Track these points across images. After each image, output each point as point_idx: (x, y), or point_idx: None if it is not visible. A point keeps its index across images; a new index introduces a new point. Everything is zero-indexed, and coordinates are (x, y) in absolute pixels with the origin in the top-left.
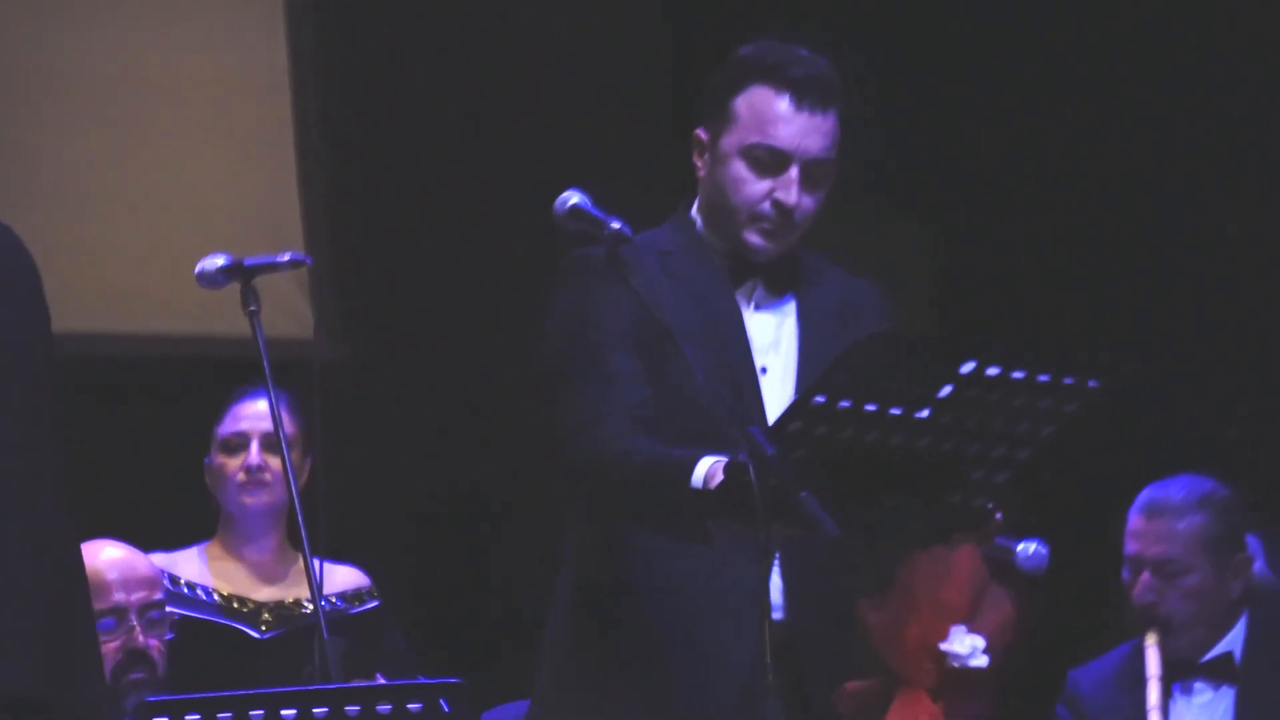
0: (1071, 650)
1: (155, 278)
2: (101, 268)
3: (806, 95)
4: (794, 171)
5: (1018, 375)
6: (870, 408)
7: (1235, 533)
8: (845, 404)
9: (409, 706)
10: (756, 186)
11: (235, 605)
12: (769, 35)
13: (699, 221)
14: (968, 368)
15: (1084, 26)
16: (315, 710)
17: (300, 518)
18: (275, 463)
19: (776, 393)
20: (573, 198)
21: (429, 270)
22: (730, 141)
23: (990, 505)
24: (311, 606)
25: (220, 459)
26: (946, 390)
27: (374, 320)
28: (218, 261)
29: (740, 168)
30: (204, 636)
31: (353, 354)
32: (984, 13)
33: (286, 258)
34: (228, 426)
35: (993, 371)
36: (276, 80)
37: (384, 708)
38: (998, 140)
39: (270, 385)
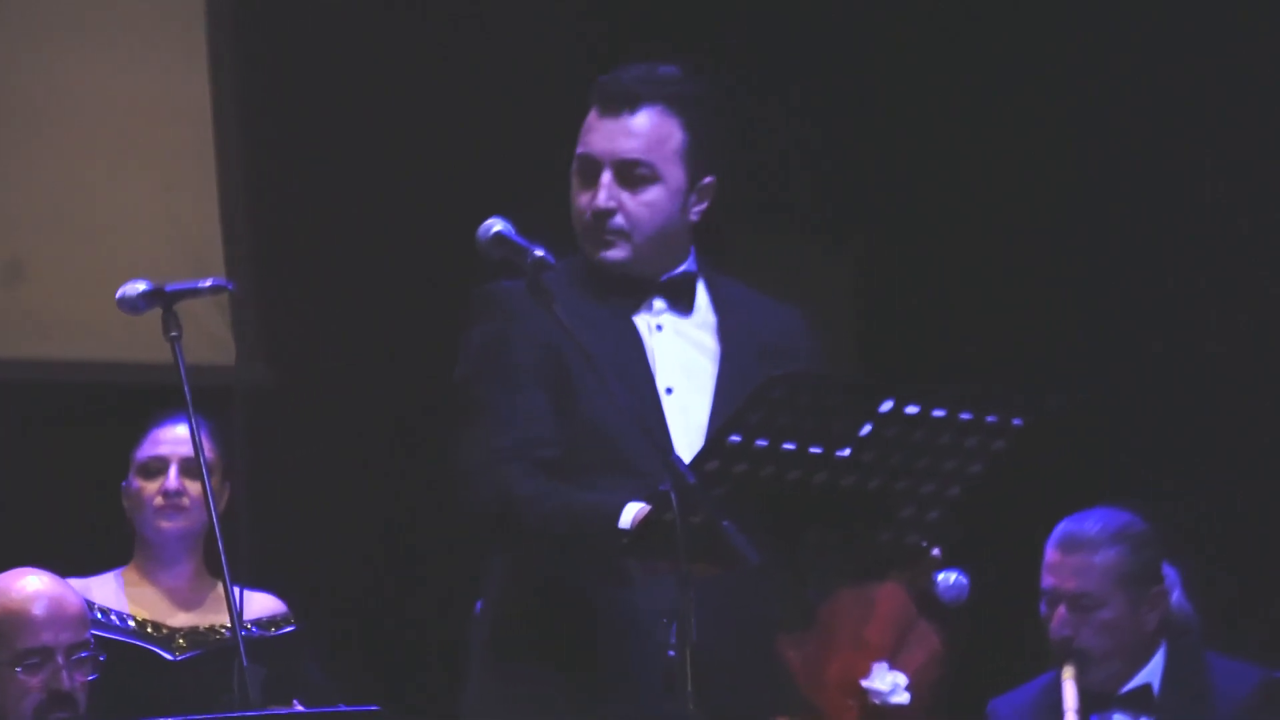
0: (991, 679)
1: (77, 303)
2: (23, 292)
3: (609, 101)
4: (605, 176)
5: (938, 413)
6: (789, 446)
7: (1151, 566)
8: (762, 442)
9: None
10: (580, 199)
11: (150, 630)
12: (692, 62)
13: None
14: (886, 406)
15: (1005, 56)
16: None
17: (220, 544)
18: (193, 488)
19: (682, 413)
20: (496, 225)
21: (350, 296)
22: (574, 165)
23: (924, 543)
24: (225, 632)
25: (138, 483)
26: (866, 429)
27: (295, 346)
28: (139, 287)
29: (573, 185)
30: (118, 659)
31: (274, 380)
32: (905, 41)
33: (208, 283)
34: (146, 450)
35: (911, 410)
36: (198, 107)
37: None
38: (920, 170)
39: (191, 411)
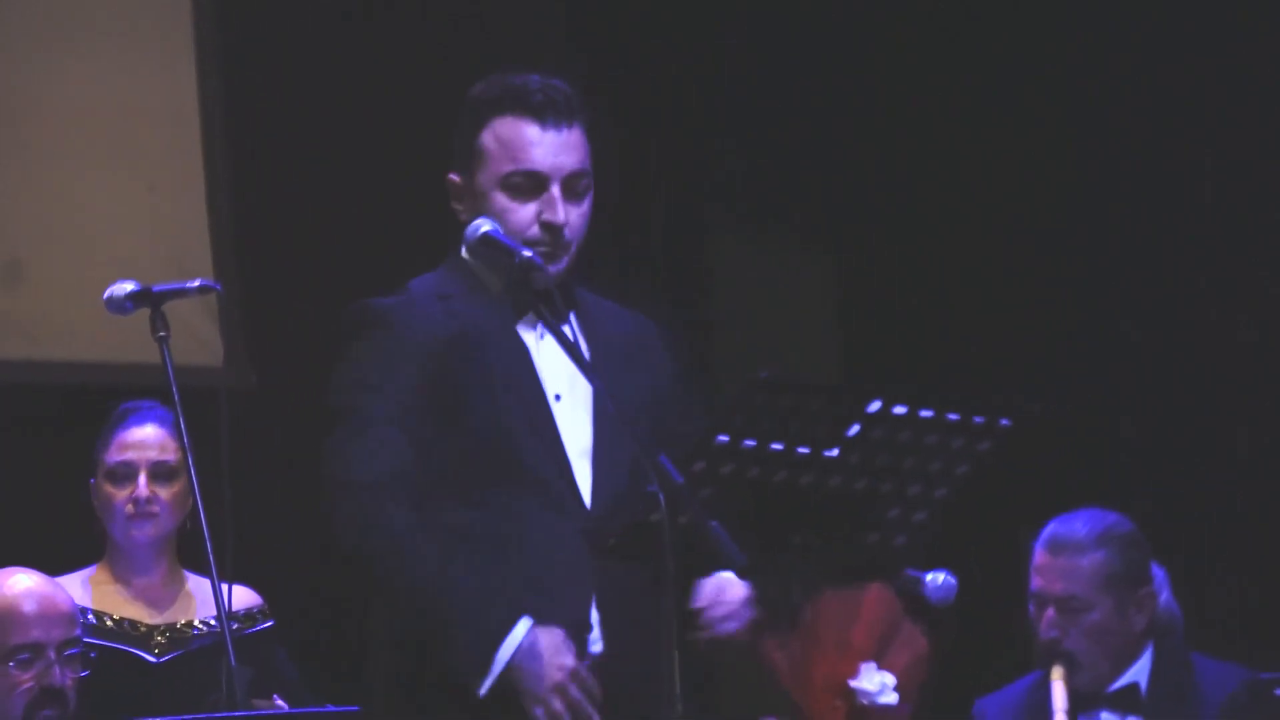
0: (978, 680)
1: (64, 304)
2: (8, 294)
3: (549, 115)
4: (555, 190)
5: (925, 414)
6: (776, 447)
7: (1138, 567)
8: (750, 443)
9: None
10: (522, 213)
11: (127, 628)
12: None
13: (471, 262)
14: (874, 406)
15: (996, 58)
16: None
17: (209, 548)
18: (163, 493)
19: (572, 419)
20: (484, 225)
21: (337, 298)
22: (485, 178)
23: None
24: (203, 629)
25: (107, 488)
26: (854, 429)
27: (282, 347)
28: (126, 288)
29: (502, 199)
30: (98, 661)
31: (260, 381)
32: (894, 43)
33: (196, 284)
34: (113, 455)
35: (899, 410)
36: (185, 108)
37: None
38: (905, 173)
39: (179, 411)
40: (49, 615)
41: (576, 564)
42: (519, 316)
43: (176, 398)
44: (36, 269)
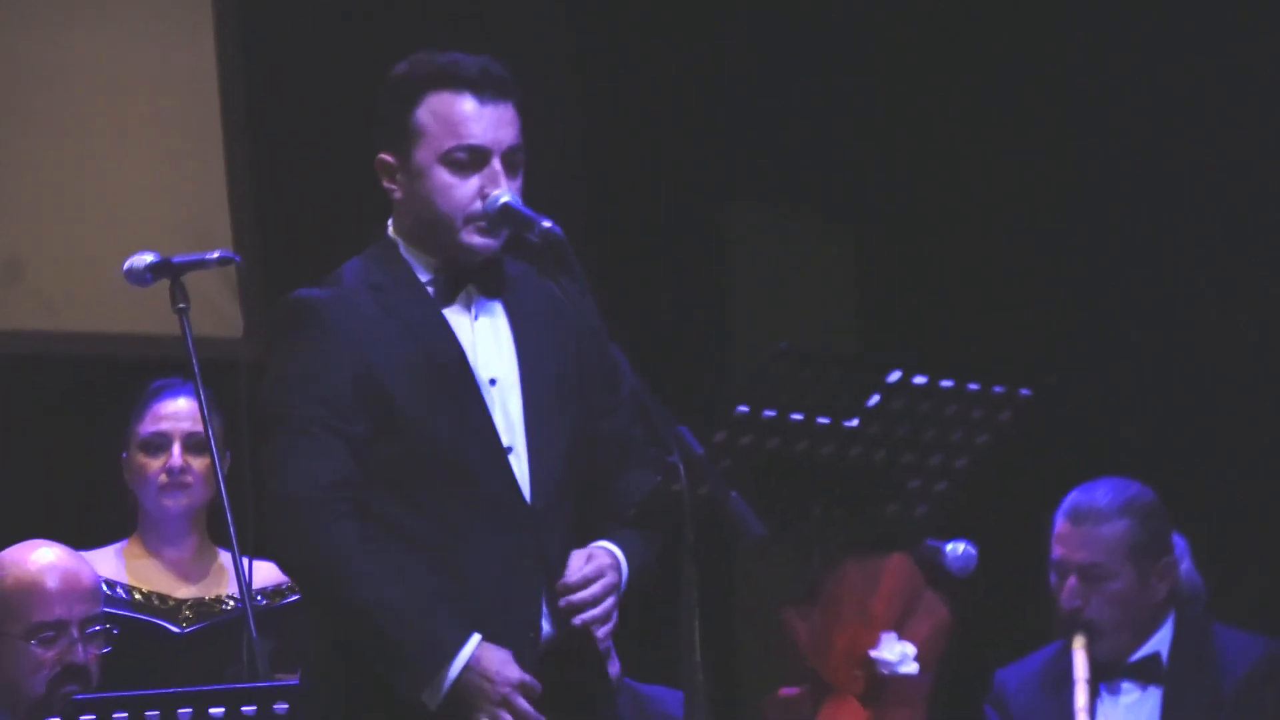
0: (998, 650)
1: (84, 276)
2: (29, 266)
3: (487, 90)
4: (496, 164)
5: (946, 384)
6: (796, 417)
7: (1159, 537)
8: (769, 414)
9: None
10: (464, 188)
11: (155, 603)
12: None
13: (400, 244)
14: (894, 376)
15: (1004, 34)
16: (244, 709)
17: (229, 516)
18: (196, 464)
19: (506, 401)
20: (504, 196)
21: None
22: (424, 154)
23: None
24: (232, 603)
25: (140, 459)
26: (874, 399)
27: None
28: (146, 259)
29: (443, 175)
30: (124, 633)
31: None
32: (904, 19)
33: (215, 256)
34: (148, 426)
35: (919, 380)
36: (204, 80)
37: None
38: (920, 147)
39: (199, 383)
40: (72, 592)
41: (520, 560)
42: (449, 301)
43: (196, 369)
44: (56, 240)
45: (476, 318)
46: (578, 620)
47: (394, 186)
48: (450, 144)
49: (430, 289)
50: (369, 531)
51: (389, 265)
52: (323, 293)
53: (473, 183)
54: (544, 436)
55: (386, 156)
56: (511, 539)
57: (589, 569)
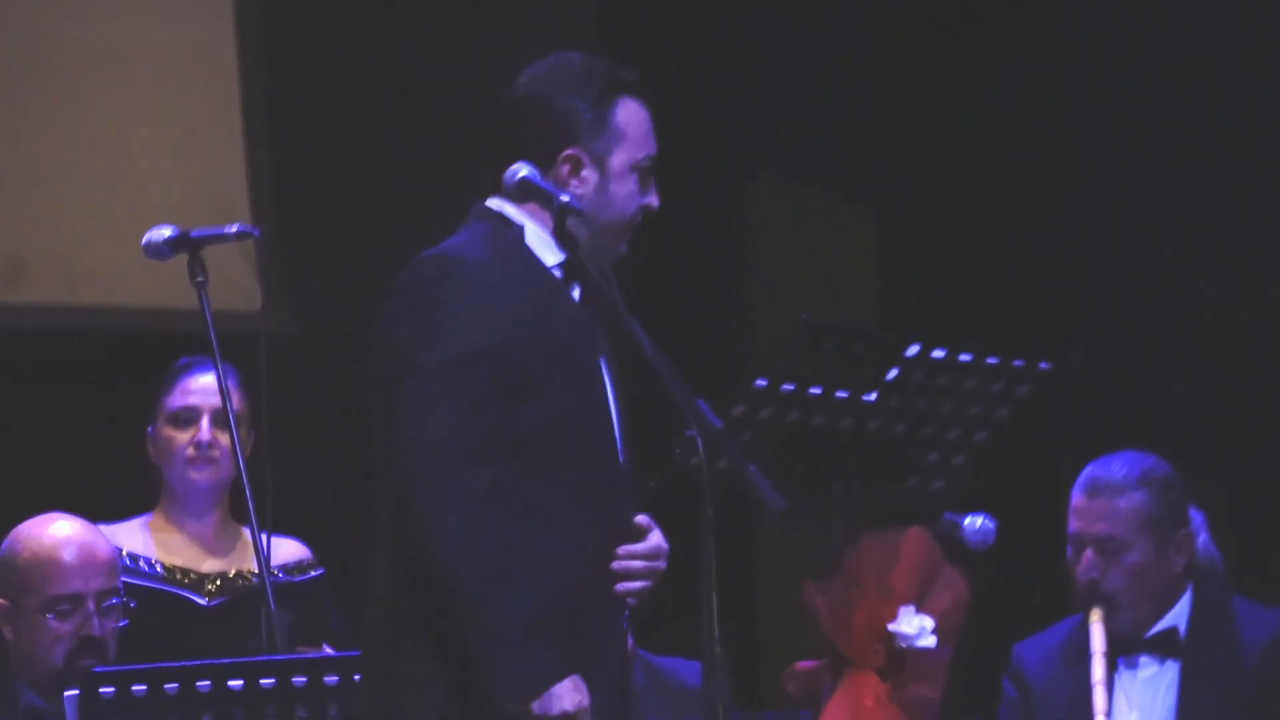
0: (1017, 624)
1: (101, 249)
2: (48, 239)
3: (648, 99)
4: (651, 176)
5: (965, 358)
6: (815, 391)
7: (1176, 509)
8: (788, 387)
9: (355, 678)
10: (641, 199)
11: (179, 576)
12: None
13: (527, 229)
14: (913, 350)
15: (1026, 10)
16: (262, 681)
17: (249, 495)
18: (224, 439)
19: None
20: (522, 170)
21: (376, 243)
22: (621, 159)
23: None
24: (254, 578)
25: (168, 432)
26: (893, 373)
27: (320, 292)
28: (164, 233)
29: (633, 183)
30: (149, 605)
31: (299, 326)
32: None
33: (234, 229)
34: (177, 400)
35: (938, 354)
36: (223, 53)
37: (331, 680)
38: (940, 125)
39: (217, 356)
40: (89, 565)
41: (625, 527)
42: (570, 281)
43: (214, 343)
44: (75, 213)
45: (578, 300)
46: (622, 587)
47: (577, 182)
48: (643, 154)
49: (557, 272)
50: (504, 499)
51: (513, 244)
52: (465, 255)
53: (646, 197)
54: (622, 409)
55: (578, 152)
56: (621, 507)
57: (658, 543)
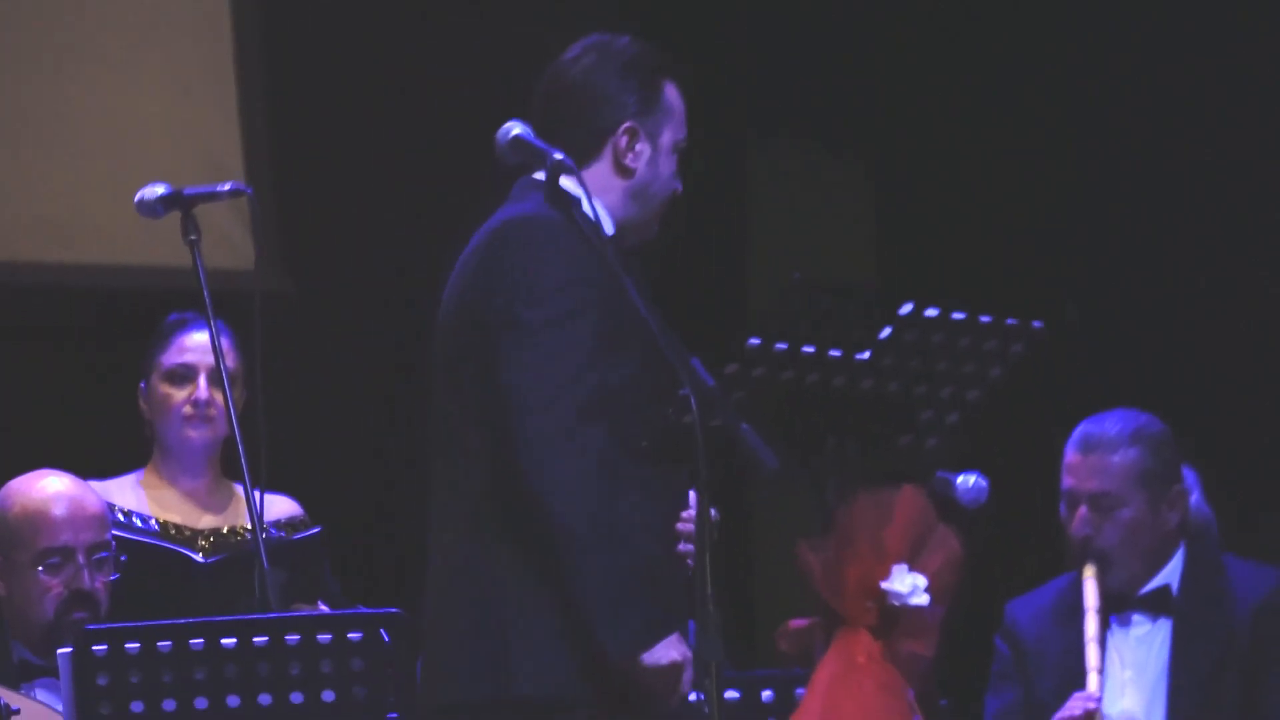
0: (1009, 582)
1: (95, 207)
2: (40, 197)
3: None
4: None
5: (958, 316)
6: (808, 350)
7: (1169, 466)
8: (781, 346)
9: (349, 636)
10: (675, 182)
11: (173, 532)
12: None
13: (585, 199)
14: (906, 309)
15: None
16: (255, 640)
17: (242, 453)
18: (220, 397)
19: None
20: (515, 128)
21: (370, 202)
22: (668, 137)
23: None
24: (247, 534)
25: (164, 389)
26: (887, 331)
27: (314, 251)
28: (157, 190)
29: (673, 161)
30: (144, 561)
31: (292, 285)
32: None
33: (227, 187)
34: (173, 357)
35: (932, 313)
36: (217, 10)
37: (324, 638)
38: (936, 79)
39: (210, 315)
40: (78, 518)
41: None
42: (565, 213)
43: (208, 301)
44: (68, 171)
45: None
46: (684, 548)
47: (631, 156)
48: (683, 135)
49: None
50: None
51: (578, 212)
52: (553, 218)
53: (678, 176)
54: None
55: (635, 125)
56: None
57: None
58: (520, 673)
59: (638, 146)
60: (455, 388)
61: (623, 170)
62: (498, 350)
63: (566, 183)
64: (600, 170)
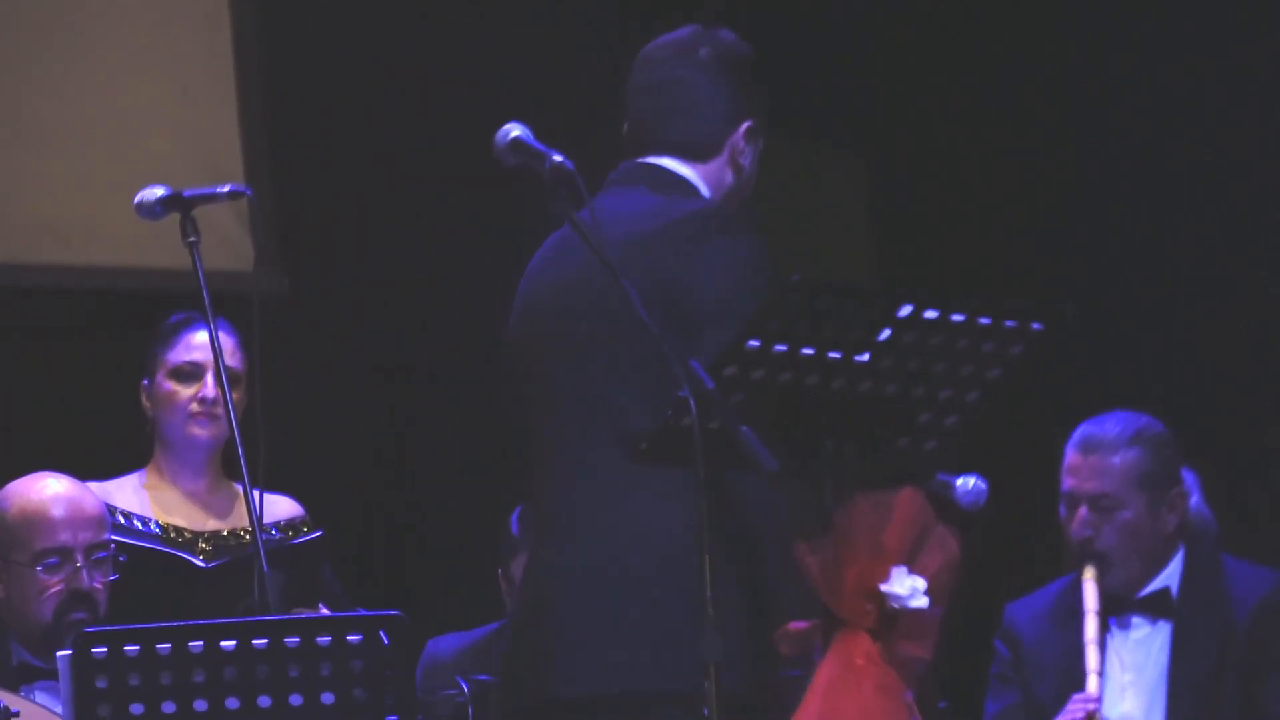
0: (1008, 584)
1: (94, 209)
2: (39, 199)
3: None
4: None
5: (957, 318)
6: (807, 351)
7: (1169, 467)
8: (781, 348)
9: (349, 639)
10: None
11: (174, 535)
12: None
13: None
14: (905, 311)
15: None
16: (254, 642)
17: (241, 454)
18: (223, 396)
19: None
20: (514, 130)
21: (369, 203)
22: (761, 141)
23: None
24: (249, 537)
25: (170, 386)
26: (885, 334)
27: (313, 252)
28: (157, 192)
29: (753, 160)
30: (144, 565)
31: (291, 286)
32: None
33: (226, 189)
34: (180, 354)
35: (931, 315)
36: (216, 11)
37: (323, 640)
38: (933, 76)
39: (210, 316)
40: (76, 519)
41: None
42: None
43: (207, 302)
44: (67, 172)
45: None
46: None
47: (744, 145)
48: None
49: None
50: None
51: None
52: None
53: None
54: None
55: (753, 123)
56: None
57: None
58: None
59: (752, 145)
60: (609, 370)
61: (736, 168)
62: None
63: (685, 170)
64: (716, 166)
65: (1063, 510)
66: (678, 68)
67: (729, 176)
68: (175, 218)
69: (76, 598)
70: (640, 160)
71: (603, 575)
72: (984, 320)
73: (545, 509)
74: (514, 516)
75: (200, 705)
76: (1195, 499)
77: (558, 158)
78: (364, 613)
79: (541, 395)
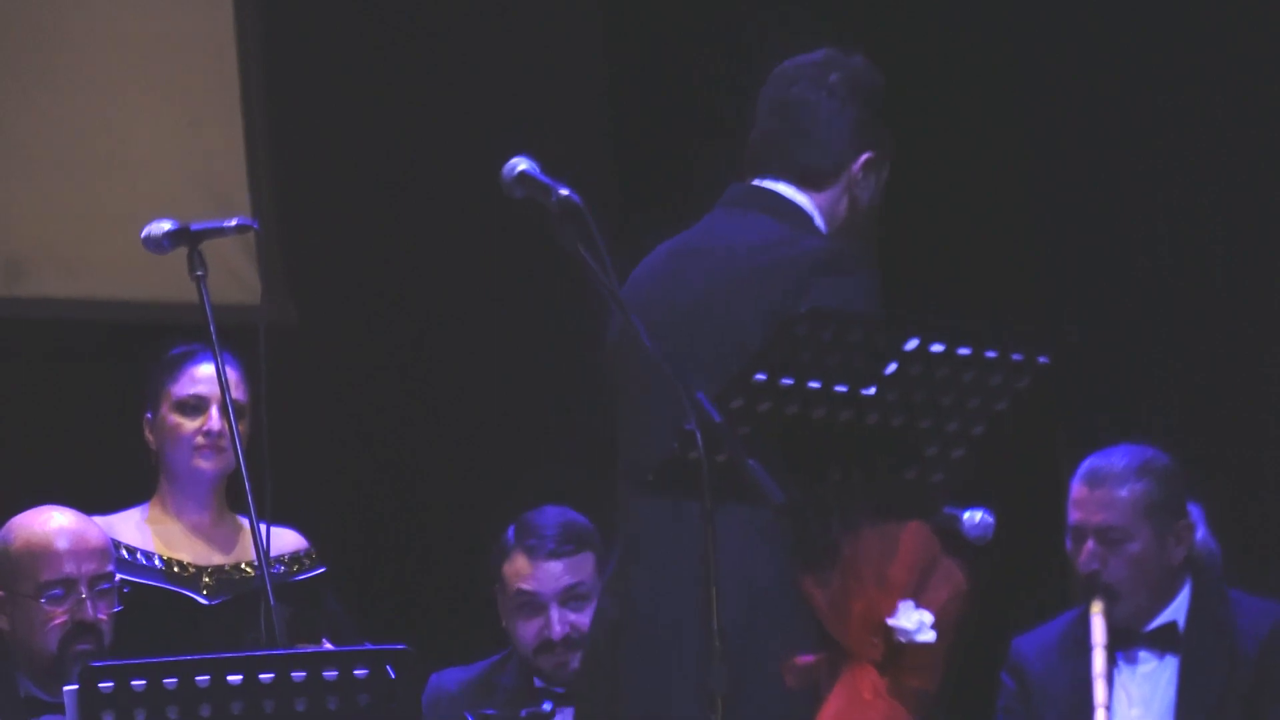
0: (1016, 618)
1: (101, 242)
2: (46, 232)
3: None
4: None
5: (963, 351)
6: (814, 384)
7: (1176, 500)
8: (788, 381)
9: (355, 672)
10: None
11: (176, 570)
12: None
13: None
14: (911, 344)
15: None
16: (261, 676)
17: (248, 487)
18: (228, 428)
19: None
20: (521, 164)
21: (376, 236)
22: (885, 173)
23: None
24: (252, 571)
25: (175, 418)
26: (891, 367)
27: (320, 285)
28: (164, 226)
29: (874, 187)
30: (147, 602)
31: (298, 319)
32: None
33: (233, 223)
34: (185, 387)
35: (937, 348)
36: (223, 44)
37: (330, 674)
38: (936, 104)
39: (216, 350)
40: (80, 550)
41: None
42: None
43: (214, 336)
44: (74, 205)
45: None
46: None
47: (861, 177)
48: (888, 165)
49: None
50: None
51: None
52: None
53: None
54: None
55: (873, 155)
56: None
57: None
58: None
59: (870, 176)
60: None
61: (852, 199)
62: None
63: (800, 197)
64: (831, 195)
65: (1069, 543)
66: (807, 89)
67: (843, 207)
68: (183, 251)
69: (81, 629)
70: (755, 184)
71: (682, 604)
72: (990, 353)
73: (629, 532)
74: (509, 531)
75: None
76: (1201, 531)
77: (564, 191)
78: (371, 646)
79: (632, 415)
